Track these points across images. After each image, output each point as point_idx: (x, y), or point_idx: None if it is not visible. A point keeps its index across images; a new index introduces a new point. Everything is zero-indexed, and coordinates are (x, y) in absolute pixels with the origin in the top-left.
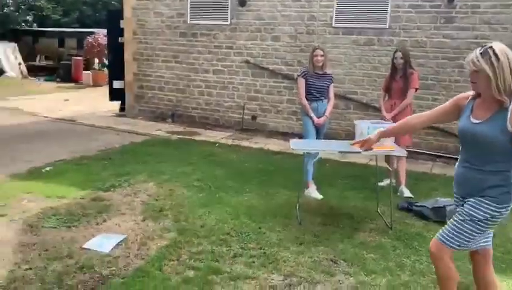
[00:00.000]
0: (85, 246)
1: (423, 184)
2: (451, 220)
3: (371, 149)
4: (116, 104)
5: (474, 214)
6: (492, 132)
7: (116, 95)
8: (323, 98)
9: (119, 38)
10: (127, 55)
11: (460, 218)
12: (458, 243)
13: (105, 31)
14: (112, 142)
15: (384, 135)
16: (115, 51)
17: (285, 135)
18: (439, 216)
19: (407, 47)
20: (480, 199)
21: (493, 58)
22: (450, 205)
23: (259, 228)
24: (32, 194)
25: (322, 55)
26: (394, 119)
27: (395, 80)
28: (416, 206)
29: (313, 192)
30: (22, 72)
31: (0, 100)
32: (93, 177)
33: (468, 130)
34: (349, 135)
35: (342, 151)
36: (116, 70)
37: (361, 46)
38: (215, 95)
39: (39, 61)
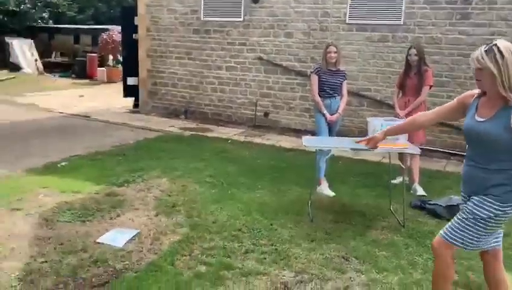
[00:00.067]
0: (99, 240)
1: (437, 182)
2: (455, 217)
3: (377, 147)
4: (130, 101)
5: (477, 212)
6: (496, 130)
7: (130, 91)
8: (336, 95)
9: (133, 35)
10: (141, 52)
11: (464, 216)
12: (462, 242)
13: (119, 27)
14: (126, 138)
15: (390, 133)
16: (129, 47)
17: (298, 132)
18: (453, 214)
19: (422, 44)
20: (483, 197)
21: (498, 56)
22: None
23: (271, 225)
24: (48, 188)
25: (335, 52)
26: (408, 116)
27: (409, 77)
28: (430, 204)
29: (325, 189)
30: (38, 69)
31: (16, 96)
32: (107, 172)
33: (473, 128)
34: (362, 132)
35: (355, 148)
36: (130, 66)
37: (375, 43)
38: (228, 92)
39: (55, 58)
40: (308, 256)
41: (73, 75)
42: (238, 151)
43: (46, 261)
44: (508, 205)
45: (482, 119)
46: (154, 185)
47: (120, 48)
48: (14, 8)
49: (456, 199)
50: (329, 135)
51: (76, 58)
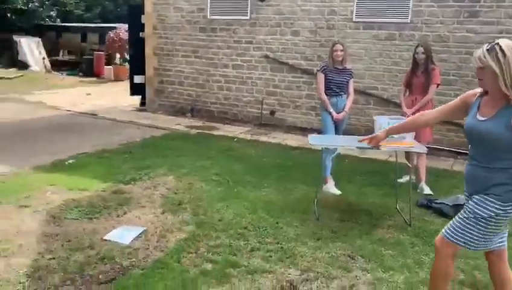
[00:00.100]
0: (106, 237)
1: (444, 181)
2: (457, 216)
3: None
4: (137, 99)
5: (478, 211)
6: (497, 129)
7: (136, 89)
8: (342, 93)
9: (140, 33)
10: (148, 50)
11: (465, 215)
12: (464, 241)
13: (126, 26)
14: (133, 136)
15: (392, 131)
16: (136, 45)
17: (304, 130)
18: None
19: (429, 42)
20: (484, 196)
21: (499, 54)
22: None
23: (277, 223)
24: (56, 186)
25: (341, 50)
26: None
27: (416, 76)
28: (436, 203)
29: (331, 188)
30: (45, 67)
31: (25, 94)
32: (114, 170)
33: (474, 127)
34: (369, 131)
35: (361, 147)
36: (137, 65)
37: (382, 41)
38: (234, 90)
39: (62, 56)
40: (314, 254)
41: (80, 74)
42: (244, 150)
43: (53, 258)
44: (508, 205)
45: (483, 118)
46: (161, 183)
47: (127, 46)
48: (22, 7)
49: (462, 198)
50: (335, 134)
51: (84, 57)
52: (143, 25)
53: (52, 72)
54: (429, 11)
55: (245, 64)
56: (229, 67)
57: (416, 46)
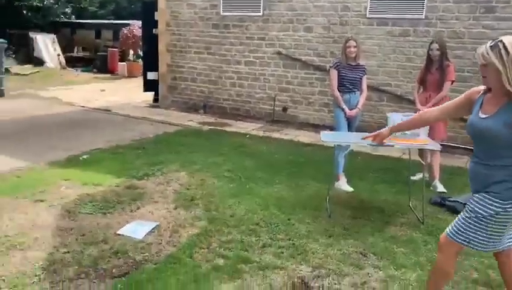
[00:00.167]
0: (119, 232)
1: (458, 179)
2: (459, 215)
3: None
4: (150, 95)
5: (478, 210)
6: (496, 126)
7: (150, 86)
8: (356, 90)
9: (154, 29)
10: (161, 47)
11: (467, 215)
12: (466, 240)
13: (140, 22)
14: (146, 132)
15: (396, 129)
16: (149, 42)
17: (316, 127)
18: None
19: (444, 38)
20: (484, 194)
21: (503, 52)
22: None
23: (289, 219)
24: (70, 181)
25: (355, 46)
26: None
27: (430, 72)
28: (450, 201)
29: (344, 185)
30: (60, 63)
31: (40, 90)
32: (127, 165)
33: (475, 125)
34: (382, 128)
35: (374, 144)
36: (151, 61)
37: (396, 37)
38: (246, 87)
39: (77, 53)
40: (326, 251)
41: (94, 70)
42: (256, 146)
43: (68, 252)
44: (508, 203)
45: (485, 116)
46: (173, 178)
47: (140, 43)
48: (37, 4)
49: None
50: (348, 130)
51: (98, 53)
52: (156, 21)
53: (67, 68)
54: (444, 7)
55: (257, 60)
56: (241, 63)
57: (431, 43)
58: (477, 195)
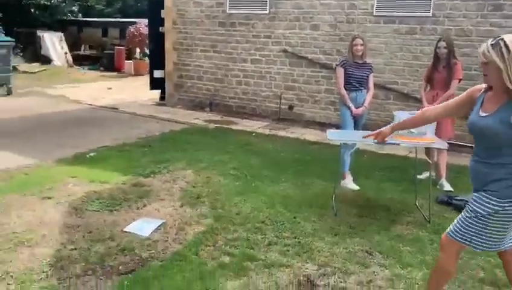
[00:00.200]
0: (126, 229)
1: (465, 178)
2: (460, 214)
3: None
4: (157, 93)
5: (477, 209)
6: (495, 124)
7: (156, 84)
8: (362, 88)
9: (160, 28)
10: (167, 45)
11: (467, 214)
12: (467, 239)
13: (146, 20)
14: (152, 130)
15: (398, 127)
16: (156, 40)
17: (323, 125)
18: None
19: (452, 36)
20: (482, 193)
21: (504, 50)
22: None
23: (294, 218)
24: (77, 178)
25: (361, 44)
26: None
27: (437, 70)
28: (457, 200)
29: (350, 183)
30: (67, 61)
31: (47, 88)
32: (134, 163)
33: (476, 123)
34: None
35: (380, 142)
36: (157, 59)
37: (403, 35)
38: (252, 85)
39: (84, 51)
40: (332, 250)
41: (101, 68)
42: (262, 144)
43: (75, 249)
44: (506, 201)
45: (484, 114)
46: (180, 176)
47: (147, 41)
48: (45, 2)
49: None
50: (354, 129)
51: (105, 51)
52: (163, 19)
53: (74, 66)
54: (452, 5)
55: (264, 58)
56: (247, 61)
57: (438, 41)
58: (476, 194)
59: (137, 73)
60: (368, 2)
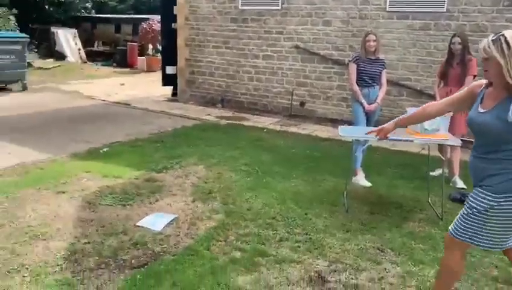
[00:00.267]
0: (139, 223)
1: None
2: (460, 212)
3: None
4: (169, 89)
5: (474, 205)
6: (492, 120)
7: (168, 80)
8: (375, 84)
9: (173, 24)
10: (180, 41)
11: (465, 211)
12: (468, 237)
13: (159, 17)
14: (165, 125)
15: (400, 123)
16: (168, 36)
17: (334, 122)
18: None
19: (466, 32)
20: (479, 189)
21: (504, 45)
22: None
23: (306, 214)
24: (91, 173)
25: (374, 40)
26: None
27: (452, 67)
28: None
29: (361, 180)
30: (81, 57)
31: (61, 84)
32: (146, 158)
33: (474, 119)
34: None
35: (393, 139)
36: (169, 55)
37: (416, 31)
38: (264, 81)
39: (97, 47)
40: (343, 246)
41: (114, 64)
42: (273, 140)
43: (88, 242)
44: (501, 196)
45: (483, 111)
46: (191, 171)
47: (159, 37)
48: None
49: None
50: (367, 125)
51: (118, 48)
52: (175, 16)
53: (88, 62)
54: (466, 0)
55: (275, 54)
56: (259, 58)
57: (453, 36)
58: (473, 190)
59: (149, 69)
60: None
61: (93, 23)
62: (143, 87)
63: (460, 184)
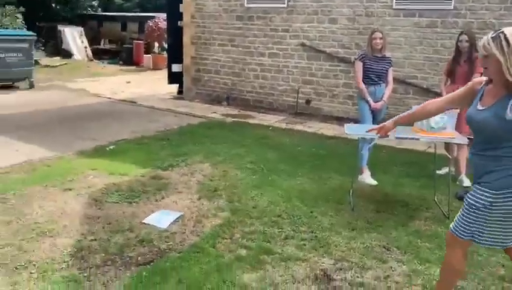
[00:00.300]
0: (145, 221)
1: None
2: (460, 209)
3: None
4: (175, 87)
5: (473, 202)
6: (490, 118)
7: (174, 78)
8: (381, 82)
9: (178, 22)
10: (186, 39)
11: (464, 209)
12: (468, 234)
13: (165, 15)
14: (170, 123)
15: (400, 121)
16: (174, 34)
17: (340, 120)
18: None
19: (473, 29)
20: (477, 186)
21: (503, 43)
22: None
23: (311, 212)
24: (97, 170)
25: (381, 38)
26: None
27: (459, 64)
28: None
29: (367, 178)
30: (87, 55)
31: (68, 82)
32: (152, 156)
33: (473, 117)
34: None
35: (399, 137)
36: (175, 53)
37: (423, 29)
38: (269, 79)
39: (103, 45)
40: (349, 244)
41: (120, 62)
42: (279, 138)
43: (95, 239)
44: (500, 193)
45: (482, 108)
46: (197, 169)
47: (165, 35)
48: None
49: None
50: (373, 124)
51: (124, 46)
52: (181, 14)
53: (94, 60)
54: None
55: (281, 52)
56: (265, 55)
57: (460, 34)
58: (473, 187)
59: (155, 67)
60: None
61: (100, 21)
62: (149, 85)
63: (466, 183)
